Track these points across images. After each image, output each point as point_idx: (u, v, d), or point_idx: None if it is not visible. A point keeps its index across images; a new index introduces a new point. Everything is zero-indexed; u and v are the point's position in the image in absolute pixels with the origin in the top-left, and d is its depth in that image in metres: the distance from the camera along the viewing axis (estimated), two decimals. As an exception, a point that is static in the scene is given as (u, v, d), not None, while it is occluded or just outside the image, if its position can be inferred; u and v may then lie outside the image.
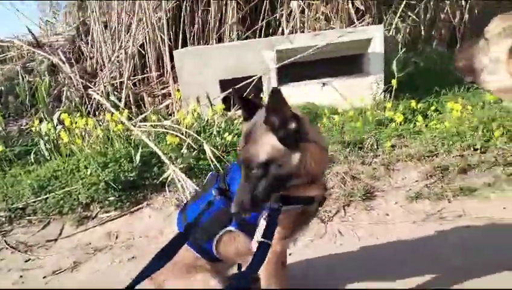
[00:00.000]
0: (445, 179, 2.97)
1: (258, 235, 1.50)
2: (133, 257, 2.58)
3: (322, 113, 4.25)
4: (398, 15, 5.28)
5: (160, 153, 3.18)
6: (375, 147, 3.56)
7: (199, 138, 3.37)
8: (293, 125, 1.32)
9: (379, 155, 3.44)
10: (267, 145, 1.33)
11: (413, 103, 4.10)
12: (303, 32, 5.44)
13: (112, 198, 3.17)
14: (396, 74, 4.41)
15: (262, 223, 1.51)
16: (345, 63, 4.88)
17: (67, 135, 3.69)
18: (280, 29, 5.63)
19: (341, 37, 4.48)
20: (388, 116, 3.99)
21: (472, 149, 3.26)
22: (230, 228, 1.57)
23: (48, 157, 3.90)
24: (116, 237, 2.85)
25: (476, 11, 6.09)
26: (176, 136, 3.41)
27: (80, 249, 2.75)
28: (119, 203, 3.16)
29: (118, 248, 2.71)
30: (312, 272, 2.15)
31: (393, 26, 5.33)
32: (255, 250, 1.36)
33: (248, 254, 1.58)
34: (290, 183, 1.40)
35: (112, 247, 2.74)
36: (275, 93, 1.28)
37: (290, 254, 2.27)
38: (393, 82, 4.37)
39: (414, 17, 5.52)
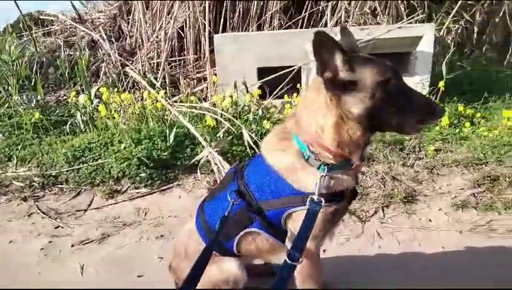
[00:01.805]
0: (495, 189, 2.76)
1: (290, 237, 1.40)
2: (161, 236, 2.53)
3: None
4: (452, 15, 4.99)
5: (197, 134, 3.12)
6: (418, 149, 3.37)
7: (238, 122, 3.28)
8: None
9: (422, 158, 3.25)
10: None
11: (460, 107, 3.87)
12: (347, 26, 5.25)
13: (143, 174, 3.14)
14: (444, 75, 4.17)
15: (285, 224, 1.41)
16: (390, 60, 4.66)
17: (104, 108, 3.69)
18: (323, 21, 5.45)
19: (389, 33, 4.27)
20: (433, 119, 3.77)
21: (526, 161, 3.02)
22: (252, 229, 1.47)
23: (83, 129, 3.93)
24: (145, 214, 2.82)
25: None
26: (215, 119, 3.34)
27: (109, 222, 2.73)
28: (149, 181, 3.13)
29: (146, 225, 2.67)
30: (346, 273, 2.03)
31: (445, 26, 5.04)
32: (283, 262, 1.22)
33: (271, 252, 1.55)
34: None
35: (141, 223, 2.70)
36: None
37: (324, 251, 2.17)
38: (441, 84, 4.14)
39: (468, 18, 5.21)
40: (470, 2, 5.22)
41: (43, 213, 2.85)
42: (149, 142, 3.37)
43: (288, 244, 1.42)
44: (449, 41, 5.19)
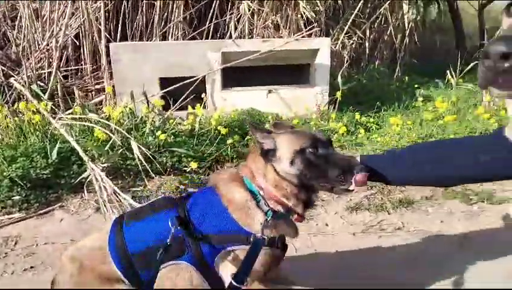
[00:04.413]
0: (385, 191, 2.92)
1: (228, 272, 1.32)
2: (31, 267, 2.15)
3: (266, 120, 4.10)
4: (344, 31, 5.36)
5: (79, 148, 2.78)
6: (318, 156, 3.45)
7: (126, 134, 3.01)
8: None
9: (321, 164, 3.32)
10: None
11: (357, 116, 4.11)
12: (251, 38, 5.32)
13: (16, 197, 2.70)
14: (341, 86, 4.42)
15: (221, 263, 1.35)
16: (293, 72, 4.82)
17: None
18: (228, 33, 5.46)
19: (289, 45, 4.40)
20: (332, 127, 3.95)
21: (411, 162, 3.26)
22: (179, 262, 1.33)
23: None
24: (15, 243, 2.39)
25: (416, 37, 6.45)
26: (103, 131, 3.03)
27: (-34, 257, 2.25)
28: (25, 204, 2.70)
29: (14, 256, 2.26)
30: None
31: (340, 41, 5.40)
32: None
33: None
34: None
35: (7, 255, 2.27)
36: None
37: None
38: (338, 94, 4.38)
39: (360, 34, 5.65)
40: (361, 20, 5.68)
41: None
42: (26, 159, 2.92)
43: None
44: (345, 55, 5.57)
